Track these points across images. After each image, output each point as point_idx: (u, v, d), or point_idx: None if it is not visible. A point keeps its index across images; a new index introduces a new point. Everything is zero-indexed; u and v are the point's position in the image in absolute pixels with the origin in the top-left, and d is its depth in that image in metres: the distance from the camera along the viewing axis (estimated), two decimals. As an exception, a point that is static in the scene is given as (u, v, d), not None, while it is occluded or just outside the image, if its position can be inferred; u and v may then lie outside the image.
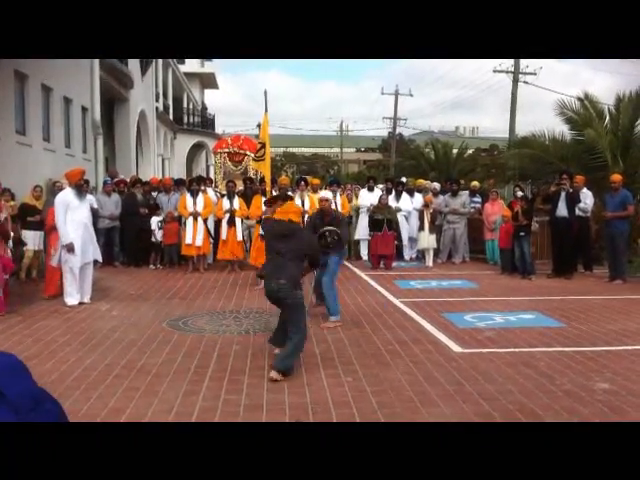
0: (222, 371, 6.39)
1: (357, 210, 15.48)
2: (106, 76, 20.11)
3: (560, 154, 17.15)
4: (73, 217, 9.56)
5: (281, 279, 6.35)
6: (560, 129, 18.24)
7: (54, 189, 12.10)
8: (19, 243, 11.27)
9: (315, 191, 14.88)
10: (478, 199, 15.97)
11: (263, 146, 12.10)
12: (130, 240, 14.27)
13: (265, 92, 11.91)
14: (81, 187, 9.89)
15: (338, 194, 14.18)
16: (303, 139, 65.13)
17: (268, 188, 11.89)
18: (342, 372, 6.38)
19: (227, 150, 18.64)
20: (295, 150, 62.21)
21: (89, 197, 10.89)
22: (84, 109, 19.33)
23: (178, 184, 14.93)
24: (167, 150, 34.07)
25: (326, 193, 9.15)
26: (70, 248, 9.45)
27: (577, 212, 12.94)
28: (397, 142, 48.16)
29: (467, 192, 16.03)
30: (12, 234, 10.18)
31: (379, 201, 14.31)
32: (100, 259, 10.76)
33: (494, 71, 33.60)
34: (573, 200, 12.80)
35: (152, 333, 7.90)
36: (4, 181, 11.30)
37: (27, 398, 0.84)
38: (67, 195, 9.69)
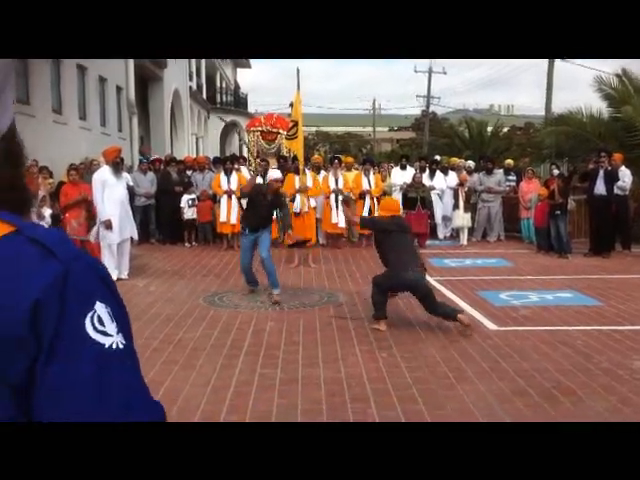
0: (258, 346, 6.46)
1: (390, 189, 15.39)
2: (140, 55, 20.23)
3: (597, 131, 16.81)
4: (110, 195, 9.70)
5: (417, 267, 7.06)
6: (598, 106, 17.87)
7: (91, 167, 12.27)
8: (58, 221, 11.46)
9: (349, 169, 14.85)
10: (513, 177, 15.80)
11: (295, 124, 12.09)
12: (165, 218, 14.42)
13: (297, 70, 11.89)
14: (118, 165, 10.02)
15: (371, 172, 14.12)
16: (335, 118, 64.93)
17: (301, 166, 11.89)
18: (376, 348, 6.41)
19: (260, 129, 18.62)
20: (328, 129, 62.01)
21: (125, 175, 11.01)
22: (119, 88, 19.50)
23: (215, 163, 15.01)
24: (201, 129, 34.23)
25: (276, 173, 9.13)
26: (108, 225, 9.60)
27: (615, 190, 12.71)
28: (430, 120, 47.69)
29: (502, 170, 15.86)
30: (50, 211, 10.36)
31: (413, 179, 14.22)
32: (136, 236, 10.90)
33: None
34: (611, 178, 12.59)
35: (189, 309, 8.01)
36: (41, 159, 11.47)
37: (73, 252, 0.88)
38: (104, 173, 9.83)
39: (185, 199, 13.98)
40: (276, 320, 7.51)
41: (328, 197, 13.44)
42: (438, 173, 15.32)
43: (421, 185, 14.20)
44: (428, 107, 48.50)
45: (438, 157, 17.90)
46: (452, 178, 15.17)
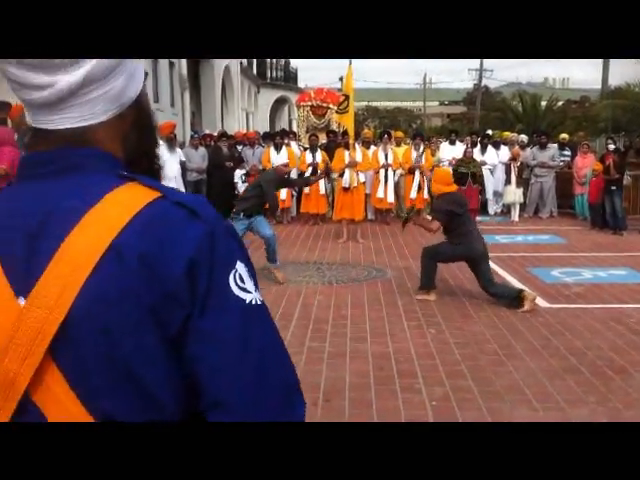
0: (306, 319, 6.52)
1: (438, 163, 15.20)
2: (192, 31, 20.31)
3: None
4: (164, 170, 9.83)
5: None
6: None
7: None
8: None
9: (398, 144, 14.72)
10: (567, 152, 15.43)
11: (347, 98, 12.03)
12: (216, 193, 14.53)
13: (349, 44, 11.78)
14: (172, 140, 10.13)
15: (422, 147, 13.97)
16: (385, 93, 64.29)
17: (351, 141, 11.83)
18: (425, 324, 6.40)
19: (310, 103, 18.59)
20: (377, 104, 61.49)
21: (178, 151, 11.14)
22: (171, 64, 19.67)
23: (265, 138, 15.06)
24: (251, 104, 34.34)
25: (282, 159, 9.11)
26: None
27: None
28: (482, 94, 46.83)
29: (556, 145, 15.50)
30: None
31: (464, 154, 14.01)
32: None
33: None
34: (671, 153, 12.20)
35: (238, 282, 8.09)
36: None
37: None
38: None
39: (238, 174, 14.08)
40: (324, 294, 7.56)
41: (377, 172, 13.36)
42: (490, 148, 15.07)
43: (472, 160, 13.98)
44: (480, 80, 47.61)
45: (490, 131, 17.60)
46: (504, 153, 14.91)
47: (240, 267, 0.94)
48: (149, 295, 0.88)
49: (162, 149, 9.93)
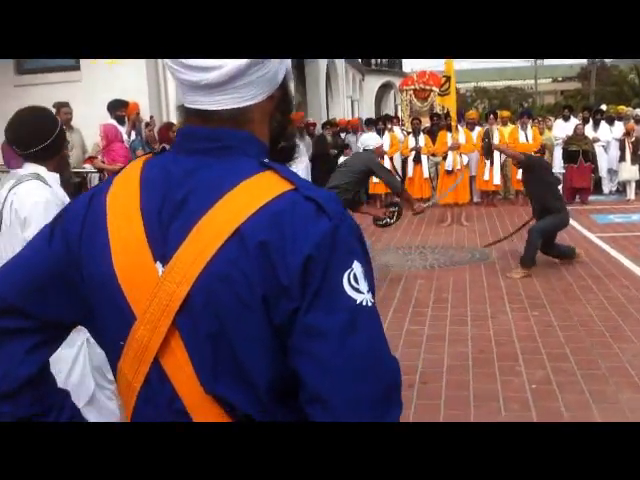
0: (406, 303, 6.51)
1: (551, 142, 14.64)
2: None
3: None
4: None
5: None
6: None
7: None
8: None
9: (505, 124, 14.31)
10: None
11: (448, 79, 11.82)
12: (321, 180, 14.68)
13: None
14: (301, 129, 10.51)
15: (529, 126, 13.51)
16: (494, 72, 62.43)
17: (454, 123, 11.63)
18: (528, 306, 6.25)
19: (413, 87, 18.41)
20: (486, 84, 59.81)
21: (307, 139, 11.31)
22: (275, 56, 20.01)
23: (368, 124, 15.05)
24: (356, 92, 34.33)
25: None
26: None
27: None
28: (597, 69, 44.60)
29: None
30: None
31: (574, 131, 13.47)
32: None
33: None
34: None
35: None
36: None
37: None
38: None
39: (342, 160, 14.15)
40: (426, 278, 7.51)
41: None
42: (603, 124, 14.38)
43: (583, 137, 13.42)
44: (595, 54, 45.29)
45: (604, 107, 16.78)
46: (618, 128, 14.17)
47: (357, 267, 0.95)
48: (263, 282, 0.93)
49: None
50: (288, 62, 1.08)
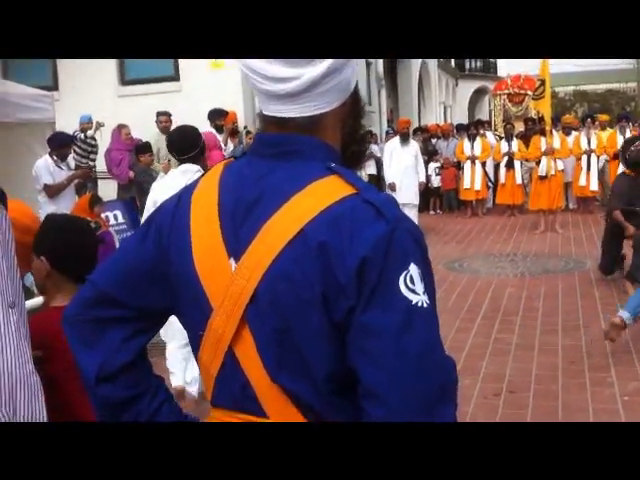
0: (495, 311, 6.42)
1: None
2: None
3: None
4: (394, 162, 10.45)
5: None
6: None
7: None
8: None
9: (603, 128, 13.83)
10: None
11: (542, 83, 11.54)
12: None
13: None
14: (406, 135, 10.79)
15: (628, 131, 13.00)
16: (595, 75, 60.27)
17: (548, 128, 11.33)
18: (624, 315, 6.02)
19: (507, 91, 18.05)
20: (586, 87, 57.79)
21: (412, 143, 11.33)
22: (368, 63, 20.06)
23: (459, 129, 14.89)
24: (449, 97, 33.96)
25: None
26: (392, 187, 10.29)
27: None
28: None
29: None
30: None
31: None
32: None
33: None
34: None
35: (428, 274, 8.14)
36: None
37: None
38: (394, 142, 10.80)
39: (432, 167, 14.07)
40: (516, 286, 7.37)
41: (579, 159, 12.67)
42: None
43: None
44: None
45: None
46: None
47: (413, 269, 0.98)
48: (322, 281, 0.99)
49: (394, 143, 10.52)
50: (356, 69, 1.14)
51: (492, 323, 6.03)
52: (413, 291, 0.97)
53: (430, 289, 1.01)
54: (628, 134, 12.72)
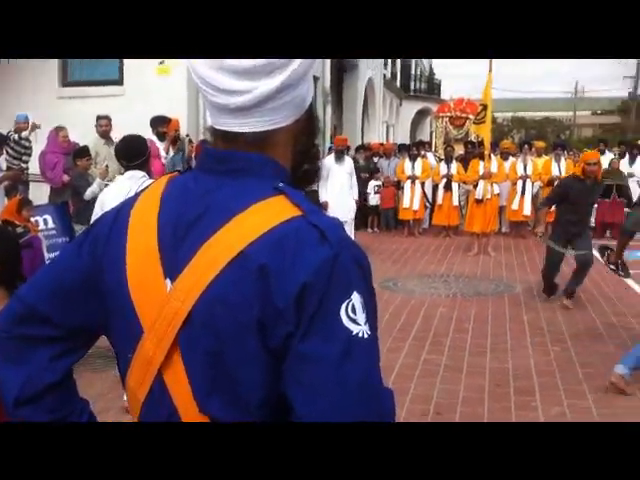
0: (426, 331, 6.49)
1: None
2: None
3: None
4: (332, 180, 10.27)
5: None
6: None
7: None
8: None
9: (539, 155, 14.23)
10: None
11: (484, 108, 11.79)
12: (351, 204, 14.74)
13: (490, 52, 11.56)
14: (341, 152, 10.76)
15: (562, 158, 13.43)
16: (533, 102, 62.15)
17: (487, 152, 11.59)
18: (549, 341, 6.19)
19: (449, 114, 18.46)
20: (524, 114, 59.55)
21: (347, 160, 11.34)
22: (315, 78, 20.15)
23: (401, 149, 15.09)
24: (392, 117, 34.40)
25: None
26: (325, 206, 10.19)
27: None
28: (638, 103, 44.15)
29: None
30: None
31: (609, 165, 13.33)
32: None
33: None
34: None
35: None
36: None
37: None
38: (329, 159, 10.62)
39: (371, 185, 14.20)
40: (448, 307, 7.48)
41: (515, 184, 13.01)
42: (639, 159, 14.22)
43: (618, 172, 13.28)
44: (636, 89, 44.89)
45: (641, 142, 16.60)
46: (655, 164, 13.99)
47: (355, 298, 0.95)
48: (261, 305, 0.95)
49: (330, 160, 10.33)
50: (312, 85, 1.11)
51: (423, 344, 6.09)
52: (354, 321, 0.94)
53: (372, 318, 0.98)
54: (563, 162, 13.14)
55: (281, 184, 1.03)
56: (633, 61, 44.52)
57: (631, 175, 13.69)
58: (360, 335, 0.94)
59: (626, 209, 13.13)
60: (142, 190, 1.16)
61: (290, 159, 1.10)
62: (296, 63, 1.01)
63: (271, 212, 0.99)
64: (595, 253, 7.18)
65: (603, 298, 7.84)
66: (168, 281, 1.02)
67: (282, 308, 0.94)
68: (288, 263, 0.94)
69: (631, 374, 4.90)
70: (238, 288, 0.96)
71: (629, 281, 8.54)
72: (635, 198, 13.41)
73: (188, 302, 0.99)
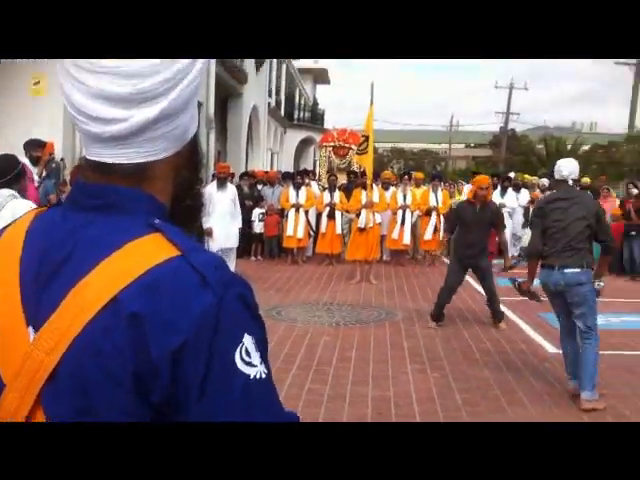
0: (309, 360, 6.48)
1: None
2: (222, 72, 20.65)
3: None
4: (214, 207, 10.18)
5: None
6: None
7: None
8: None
9: (418, 186, 14.74)
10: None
11: (366, 139, 12.09)
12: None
13: (372, 84, 11.91)
14: (224, 179, 10.61)
15: (439, 189, 13.98)
16: (412, 134, 64.69)
17: (369, 182, 11.87)
18: (429, 368, 6.33)
19: (332, 144, 18.80)
20: (404, 145, 61.81)
21: (230, 187, 11.21)
22: (199, 104, 20.00)
23: (285, 177, 15.19)
24: (276, 144, 34.69)
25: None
26: (209, 233, 10.00)
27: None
28: (509, 138, 46.86)
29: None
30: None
31: (482, 196, 13.98)
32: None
33: (615, 63, 32.06)
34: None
35: (246, 321, 8.10)
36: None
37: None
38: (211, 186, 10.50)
39: (256, 213, 14.19)
40: (331, 336, 7.52)
41: (395, 213, 13.38)
42: (510, 191, 15.00)
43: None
44: (506, 124, 47.68)
45: (512, 174, 17.56)
46: (524, 196, 14.85)
47: (247, 340, 0.89)
48: (135, 357, 0.86)
49: (212, 187, 10.20)
50: (197, 118, 1.04)
51: (307, 373, 6.07)
52: (250, 364, 0.89)
53: (265, 353, 0.93)
54: (439, 192, 13.67)
55: (157, 221, 0.94)
56: (504, 97, 47.27)
57: (502, 206, 14.39)
58: (258, 377, 0.89)
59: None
60: (4, 227, 1.05)
61: (170, 194, 1.02)
62: (176, 92, 0.94)
63: (146, 252, 0.91)
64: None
65: (477, 323, 8.15)
66: (31, 329, 0.92)
67: (159, 363, 0.86)
68: (166, 313, 0.86)
69: (594, 391, 5.25)
70: (110, 338, 0.87)
71: (502, 307, 8.94)
72: (508, 228, 14.15)
73: (54, 354, 0.89)
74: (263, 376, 0.90)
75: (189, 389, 0.86)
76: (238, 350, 0.88)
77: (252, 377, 0.89)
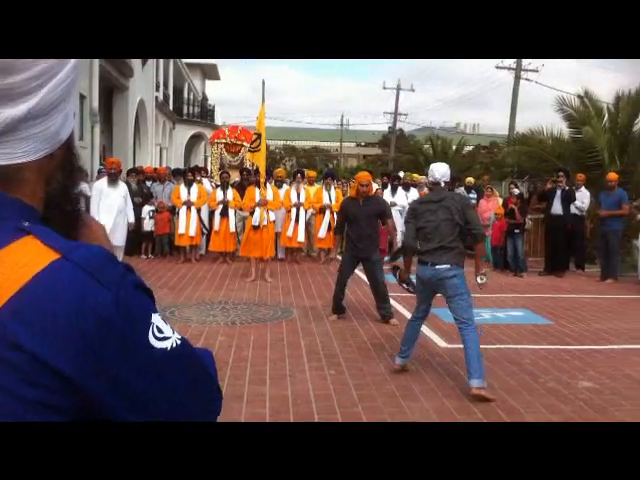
0: (205, 361, 6.36)
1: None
2: (105, 64, 20.02)
3: (557, 152, 17.07)
4: (106, 204, 10.08)
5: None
6: (561, 127, 18.14)
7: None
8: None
9: (311, 183, 14.83)
10: (474, 195, 15.96)
11: (259, 137, 12.03)
12: (123, 229, 14.21)
13: (263, 82, 11.89)
14: (114, 175, 10.52)
15: (332, 187, 14.13)
16: (305, 132, 65.16)
17: (262, 180, 11.83)
18: (326, 365, 6.37)
19: (224, 141, 18.58)
20: (295, 143, 62.12)
21: (121, 184, 10.84)
22: (82, 97, 19.27)
23: (175, 174, 14.87)
24: (165, 140, 33.99)
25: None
26: None
27: (572, 210, 12.89)
28: (397, 137, 48.14)
29: (462, 188, 16.01)
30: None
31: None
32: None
33: (497, 67, 33.48)
34: (568, 198, 12.77)
35: (138, 322, 7.87)
36: None
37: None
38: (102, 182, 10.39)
39: (146, 210, 13.83)
40: (227, 335, 7.43)
41: (289, 211, 13.41)
42: (400, 189, 15.39)
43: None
44: (395, 124, 48.93)
45: (402, 173, 18.01)
46: (414, 195, 15.24)
47: (155, 318, 0.88)
48: (30, 388, 0.78)
49: (102, 183, 9.90)
50: (72, 120, 0.97)
51: (202, 374, 5.96)
52: (165, 338, 0.88)
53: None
54: (332, 190, 13.81)
55: (26, 223, 0.86)
56: (392, 97, 48.43)
57: (393, 204, 14.73)
58: (174, 346, 0.90)
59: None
60: None
61: (42, 200, 0.95)
62: (45, 90, 0.88)
63: (21, 261, 0.81)
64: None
65: (372, 320, 8.29)
66: None
67: (70, 373, 0.79)
68: (60, 329, 0.78)
69: (482, 380, 5.45)
70: None
71: (394, 303, 9.14)
72: (396, 226, 14.50)
73: None
74: (178, 341, 0.91)
75: (117, 389, 0.83)
76: (150, 332, 0.87)
77: (170, 348, 0.89)
